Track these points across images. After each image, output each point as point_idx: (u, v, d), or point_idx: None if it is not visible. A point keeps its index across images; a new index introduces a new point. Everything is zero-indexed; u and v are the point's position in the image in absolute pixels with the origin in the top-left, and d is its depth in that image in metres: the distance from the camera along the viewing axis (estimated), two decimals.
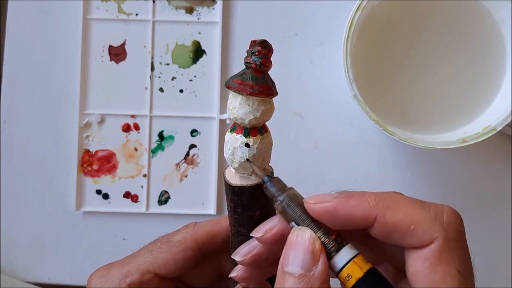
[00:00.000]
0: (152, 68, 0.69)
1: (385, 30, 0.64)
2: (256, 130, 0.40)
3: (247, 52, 0.39)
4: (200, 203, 0.69)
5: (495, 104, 0.63)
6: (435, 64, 0.65)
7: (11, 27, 0.70)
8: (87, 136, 0.69)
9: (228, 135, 0.41)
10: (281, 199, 0.39)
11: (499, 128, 0.59)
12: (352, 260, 0.37)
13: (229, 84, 0.39)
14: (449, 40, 0.65)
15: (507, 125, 0.59)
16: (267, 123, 0.42)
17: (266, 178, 0.40)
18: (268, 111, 0.40)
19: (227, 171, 0.43)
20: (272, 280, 0.44)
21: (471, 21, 0.64)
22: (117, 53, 0.69)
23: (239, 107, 0.40)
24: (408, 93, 0.65)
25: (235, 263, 0.43)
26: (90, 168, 0.69)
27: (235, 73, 0.40)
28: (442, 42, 0.65)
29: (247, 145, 0.40)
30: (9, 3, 0.70)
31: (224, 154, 0.42)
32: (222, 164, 0.69)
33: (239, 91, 0.39)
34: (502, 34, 0.63)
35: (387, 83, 0.65)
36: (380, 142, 0.69)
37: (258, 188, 0.41)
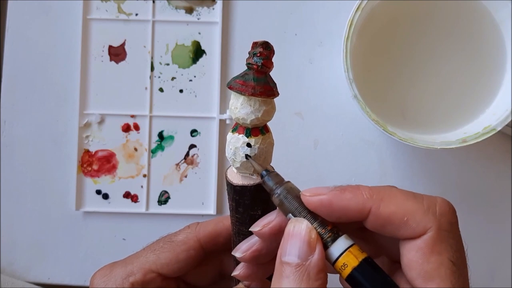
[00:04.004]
0: (152, 68, 0.69)
1: (385, 30, 0.64)
2: (257, 130, 0.41)
3: (248, 53, 0.40)
4: (200, 203, 0.69)
5: (495, 104, 0.63)
6: (435, 64, 0.65)
7: (11, 27, 0.70)
8: (87, 136, 0.69)
9: (230, 135, 0.42)
10: (278, 192, 0.40)
11: (499, 128, 0.59)
12: (348, 249, 0.38)
13: (231, 85, 0.40)
14: (449, 40, 0.65)
15: (507, 125, 0.59)
16: (268, 123, 0.42)
17: (264, 173, 0.41)
18: (270, 112, 0.41)
19: (229, 171, 0.43)
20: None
21: (471, 21, 0.64)
22: (117, 53, 0.69)
23: (241, 107, 0.40)
24: (408, 93, 0.65)
25: (237, 262, 0.44)
26: (90, 168, 0.69)
27: (236, 74, 0.41)
28: (442, 42, 0.65)
29: (248, 145, 0.40)
30: (9, 3, 0.70)
31: (226, 154, 0.42)
32: (222, 164, 0.69)
33: (241, 92, 0.39)
34: (502, 34, 0.63)
35: (387, 83, 0.65)
36: (380, 142, 0.69)
37: (260, 188, 0.42)
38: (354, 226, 0.40)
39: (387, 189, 0.39)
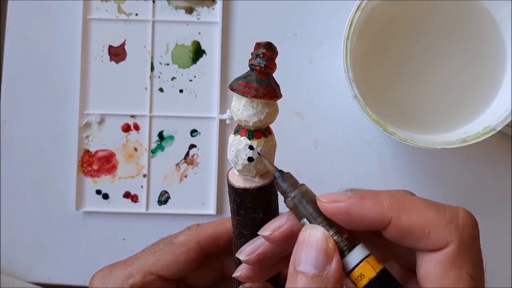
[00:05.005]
0: (152, 68, 0.69)
1: (385, 30, 0.64)
2: (260, 132, 0.40)
3: (251, 54, 0.39)
4: (200, 203, 0.69)
5: (495, 104, 0.63)
6: (435, 64, 0.65)
7: (11, 27, 0.69)
8: (87, 136, 0.69)
9: (232, 137, 0.41)
10: (292, 195, 0.38)
11: (499, 128, 0.59)
12: (365, 259, 0.36)
13: (233, 86, 0.39)
14: (449, 40, 0.65)
15: (507, 125, 0.59)
16: (270, 125, 0.42)
17: (277, 174, 0.40)
18: (272, 114, 0.40)
19: (230, 173, 0.43)
20: (273, 280, 0.44)
21: (471, 21, 0.64)
22: (117, 53, 0.69)
23: (243, 109, 0.40)
24: (408, 93, 0.65)
25: (237, 264, 0.44)
26: (90, 168, 0.69)
27: (236, 74, 0.40)
28: (442, 42, 0.65)
29: (251, 147, 0.40)
30: (9, 3, 0.69)
31: (228, 156, 0.42)
32: (222, 164, 0.69)
33: (243, 93, 0.39)
34: (502, 34, 0.63)
35: (387, 83, 0.65)
36: (380, 142, 0.70)
37: (262, 190, 0.41)
38: (366, 232, 0.39)
39: (408, 198, 0.38)
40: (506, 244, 0.70)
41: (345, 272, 0.37)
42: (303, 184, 0.39)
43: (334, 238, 0.37)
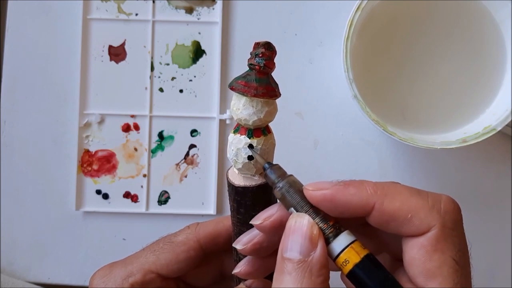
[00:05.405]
0: (152, 68, 0.69)
1: (385, 30, 0.64)
2: (259, 131, 0.41)
3: (250, 54, 0.40)
4: (200, 203, 0.69)
5: (495, 104, 0.63)
6: (435, 64, 0.65)
7: (11, 27, 0.69)
8: (87, 136, 0.69)
9: (231, 136, 0.41)
10: (280, 186, 0.39)
11: (499, 128, 0.59)
12: (350, 245, 0.37)
13: (233, 86, 0.40)
14: (449, 40, 0.65)
15: (507, 125, 0.59)
16: (270, 124, 0.42)
17: (266, 165, 0.41)
18: (272, 112, 0.41)
19: (230, 171, 0.43)
20: (271, 277, 0.45)
21: (471, 21, 0.64)
22: (117, 53, 0.69)
23: (243, 108, 0.40)
24: (408, 93, 0.65)
25: (237, 261, 0.44)
26: (90, 168, 0.69)
27: (236, 74, 0.41)
28: (442, 42, 0.65)
29: (250, 146, 0.40)
30: (9, 3, 0.69)
31: (228, 155, 0.42)
32: (222, 164, 0.69)
33: (243, 93, 0.39)
34: (502, 34, 0.63)
35: (387, 83, 0.65)
36: (380, 142, 0.70)
37: (261, 188, 0.42)
38: (356, 222, 0.40)
39: (392, 185, 0.39)
40: (506, 244, 0.70)
41: (332, 258, 0.38)
42: (291, 175, 0.40)
43: (320, 225, 0.38)
